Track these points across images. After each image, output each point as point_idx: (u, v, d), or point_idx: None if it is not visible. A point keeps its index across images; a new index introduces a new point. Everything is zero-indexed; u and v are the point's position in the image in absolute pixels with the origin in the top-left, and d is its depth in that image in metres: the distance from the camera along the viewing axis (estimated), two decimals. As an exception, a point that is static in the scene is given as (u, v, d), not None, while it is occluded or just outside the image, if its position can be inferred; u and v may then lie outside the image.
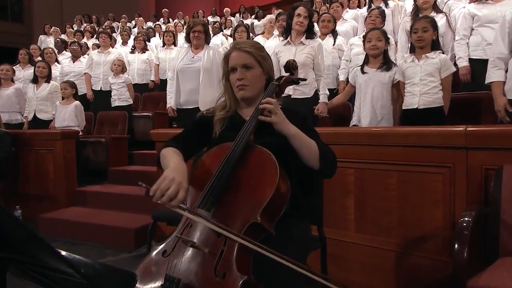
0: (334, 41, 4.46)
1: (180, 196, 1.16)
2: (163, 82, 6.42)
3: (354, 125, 3.25)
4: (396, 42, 4.20)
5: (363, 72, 3.21)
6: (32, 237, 0.69)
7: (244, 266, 1.15)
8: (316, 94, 3.55)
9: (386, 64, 3.14)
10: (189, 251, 1.19)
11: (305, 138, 1.41)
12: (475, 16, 3.42)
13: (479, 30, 3.42)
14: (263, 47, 1.62)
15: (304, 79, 1.84)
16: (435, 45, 2.99)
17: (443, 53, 3.05)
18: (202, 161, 1.43)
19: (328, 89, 3.69)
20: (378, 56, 3.17)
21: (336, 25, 4.64)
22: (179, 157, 1.36)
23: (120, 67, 5.43)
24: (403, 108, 3.05)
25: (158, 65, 6.61)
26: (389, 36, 3.90)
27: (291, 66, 1.63)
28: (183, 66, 3.90)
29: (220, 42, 7.48)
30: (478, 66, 3.33)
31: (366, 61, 3.26)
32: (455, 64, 3.44)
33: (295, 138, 1.39)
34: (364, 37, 3.34)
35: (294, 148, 1.39)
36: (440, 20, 3.52)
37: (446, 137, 2.03)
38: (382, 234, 2.26)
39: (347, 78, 3.78)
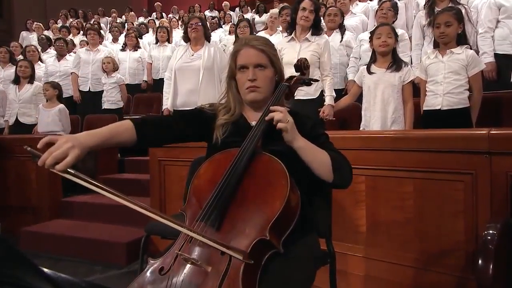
0: (342, 37, 4.46)
1: (67, 161, 1.15)
2: (156, 82, 6.44)
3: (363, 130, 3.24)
4: (410, 38, 4.19)
5: (370, 72, 3.20)
6: (12, 253, 0.68)
7: (250, 286, 1.13)
8: (322, 96, 3.54)
9: (396, 63, 3.12)
10: (190, 269, 1.17)
11: (315, 151, 1.40)
12: (501, 6, 3.40)
13: (506, 22, 3.40)
14: (274, 45, 1.61)
15: (317, 80, 1.83)
16: (461, 40, 2.97)
17: (471, 48, 3.02)
18: (204, 169, 1.41)
19: (336, 90, 3.68)
20: (388, 55, 3.17)
21: (344, 19, 4.64)
22: (107, 131, 1.32)
23: (111, 64, 5.44)
24: (425, 108, 3.04)
25: (151, 63, 6.62)
26: (402, 31, 3.91)
27: (302, 65, 1.61)
28: (182, 65, 3.90)
29: (219, 39, 7.48)
30: (505, 62, 3.31)
31: (373, 60, 3.25)
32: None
33: (304, 151, 1.38)
34: (371, 32, 3.33)
35: (304, 161, 1.38)
36: (459, 13, 3.52)
37: (467, 141, 2.01)
38: (397, 248, 2.24)
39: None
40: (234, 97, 1.59)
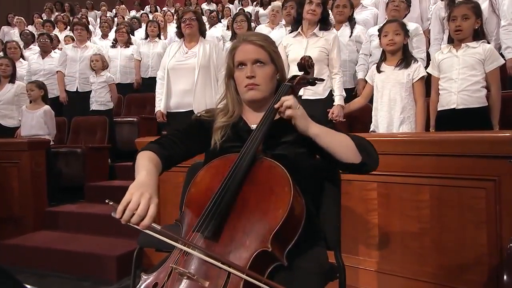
0: (351, 32, 4.45)
1: (151, 213, 1.16)
2: (147, 82, 6.44)
3: (372, 131, 3.25)
4: (425, 32, 4.19)
5: (379, 70, 3.23)
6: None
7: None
8: (331, 95, 3.56)
9: (405, 60, 3.15)
10: (186, 285, 1.17)
11: (333, 134, 1.42)
12: None
13: None
14: (275, 42, 1.63)
15: (322, 80, 1.83)
16: (478, 36, 2.97)
17: (488, 43, 3.02)
18: (201, 176, 1.41)
19: (345, 89, 3.68)
20: (397, 52, 3.19)
21: (353, 11, 4.64)
22: (152, 167, 1.35)
23: (99, 62, 5.45)
24: (439, 109, 3.04)
25: (140, 61, 6.62)
26: (416, 24, 3.91)
27: (306, 64, 1.62)
28: (175, 63, 3.91)
29: (220, 35, 7.46)
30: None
31: (383, 58, 3.28)
32: (501, 56, 3.40)
33: (323, 136, 1.40)
34: (379, 30, 3.35)
35: (324, 148, 1.40)
36: (482, 3, 3.51)
37: (489, 145, 2.01)
38: (413, 262, 2.23)
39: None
40: (233, 98, 1.61)
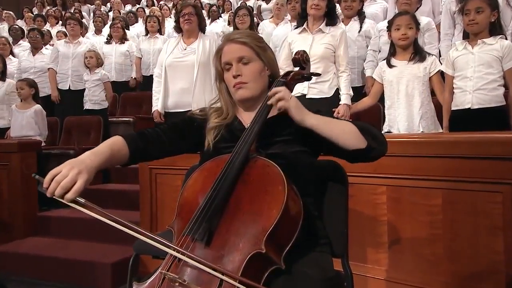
0: (361, 27, 4.45)
1: (77, 187, 1.22)
2: (147, 80, 6.45)
3: (387, 132, 3.23)
4: (437, 26, 4.19)
5: (390, 65, 3.22)
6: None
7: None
8: (337, 94, 3.56)
9: (418, 54, 3.15)
10: None
11: (332, 122, 1.44)
12: None
13: None
14: (261, 37, 1.66)
15: (318, 74, 1.84)
16: (495, 29, 2.97)
17: (506, 38, 3.02)
18: (193, 179, 1.43)
19: (353, 88, 3.68)
20: (408, 47, 3.19)
21: (363, 5, 4.64)
22: (106, 151, 1.38)
23: (94, 59, 5.46)
24: (453, 108, 3.04)
25: (140, 58, 6.64)
26: (428, 19, 3.91)
27: (301, 59, 1.63)
28: (173, 60, 3.92)
29: (221, 30, 7.47)
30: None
31: (392, 53, 3.28)
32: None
33: (322, 124, 1.40)
34: (389, 23, 3.35)
35: (325, 137, 1.40)
36: (497, -4, 3.50)
37: (505, 146, 2.01)
38: (425, 270, 2.23)
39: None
40: (226, 101, 1.64)
